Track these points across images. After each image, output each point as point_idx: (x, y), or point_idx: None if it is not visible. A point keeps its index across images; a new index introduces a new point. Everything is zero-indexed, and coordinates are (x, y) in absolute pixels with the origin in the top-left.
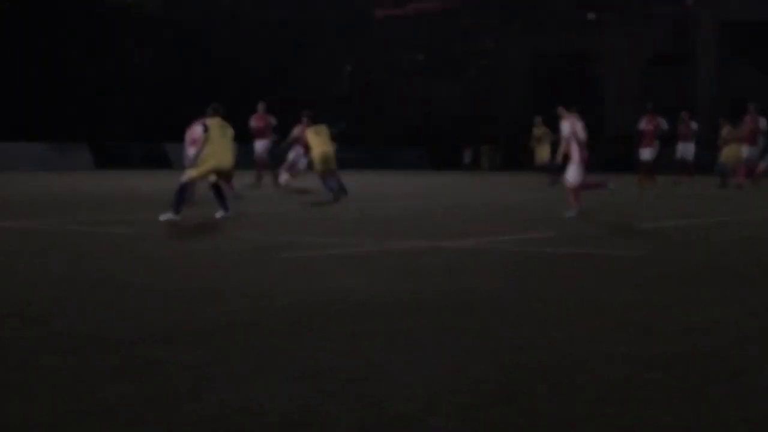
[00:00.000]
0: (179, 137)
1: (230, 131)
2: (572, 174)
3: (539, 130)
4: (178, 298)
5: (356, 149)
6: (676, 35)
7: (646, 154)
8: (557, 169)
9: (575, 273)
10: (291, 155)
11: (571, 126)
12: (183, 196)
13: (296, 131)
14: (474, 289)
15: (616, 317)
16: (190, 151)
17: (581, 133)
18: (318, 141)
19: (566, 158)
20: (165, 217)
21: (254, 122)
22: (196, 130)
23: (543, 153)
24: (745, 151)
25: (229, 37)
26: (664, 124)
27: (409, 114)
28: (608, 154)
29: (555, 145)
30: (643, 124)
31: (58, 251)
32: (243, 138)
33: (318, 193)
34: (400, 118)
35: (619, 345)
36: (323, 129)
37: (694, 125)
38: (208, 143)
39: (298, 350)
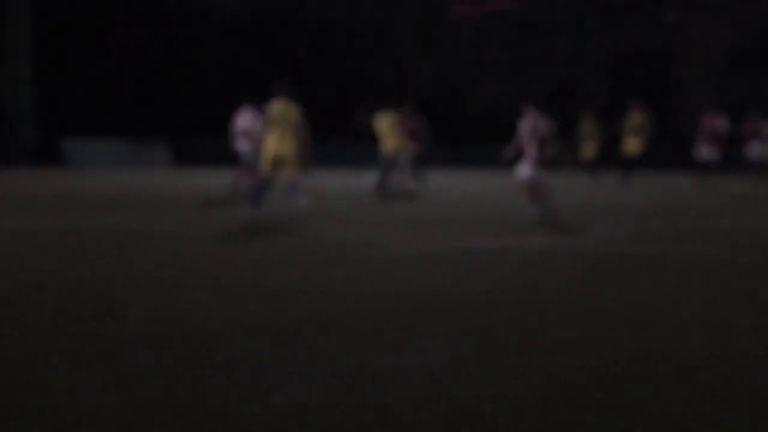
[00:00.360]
0: None
1: (294, 114)
2: (525, 170)
3: (588, 127)
4: (258, 296)
5: (435, 148)
6: (756, 35)
7: (705, 154)
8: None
9: (650, 273)
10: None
11: (533, 123)
12: (260, 192)
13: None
14: (552, 289)
15: (696, 316)
16: (242, 144)
17: (543, 130)
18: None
19: (521, 154)
20: (244, 214)
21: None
22: (245, 119)
23: (588, 150)
24: None
25: (307, 36)
26: (724, 124)
27: (486, 113)
28: (684, 154)
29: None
30: (705, 124)
31: (137, 249)
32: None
33: (395, 191)
34: (478, 117)
35: (694, 342)
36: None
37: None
38: (269, 128)
39: (378, 349)
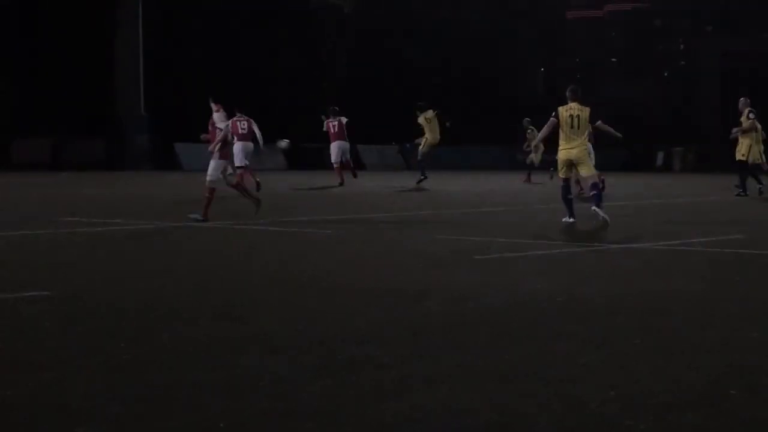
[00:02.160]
0: (370, 139)
1: (583, 116)
2: None
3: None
4: (380, 298)
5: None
6: None
7: None
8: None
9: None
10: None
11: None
12: (600, 193)
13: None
14: (670, 290)
15: None
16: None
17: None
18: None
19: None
20: (566, 220)
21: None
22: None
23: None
24: None
25: (420, 38)
26: None
27: (603, 115)
28: None
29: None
30: None
31: (260, 251)
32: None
33: (515, 194)
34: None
35: None
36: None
37: None
38: (560, 132)
39: (497, 351)
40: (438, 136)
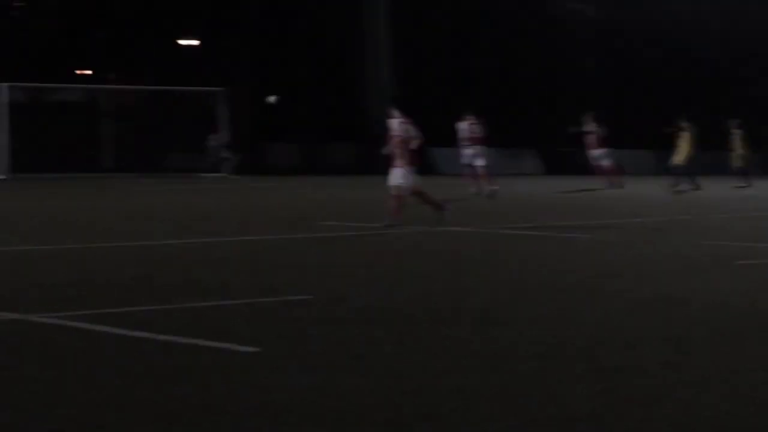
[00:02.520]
0: (631, 144)
1: None
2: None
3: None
4: (644, 303)
5: None
6: None
7: None
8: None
9: None
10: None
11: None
12: None
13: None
14: None
15: None
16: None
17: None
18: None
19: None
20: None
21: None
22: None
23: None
24: None
25: (675, 42)
26: None
27: None
28: None
29: None
30: None
31: (520, 255)
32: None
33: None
34: None
35: None
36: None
37: None
38: None
39: (758, 358)
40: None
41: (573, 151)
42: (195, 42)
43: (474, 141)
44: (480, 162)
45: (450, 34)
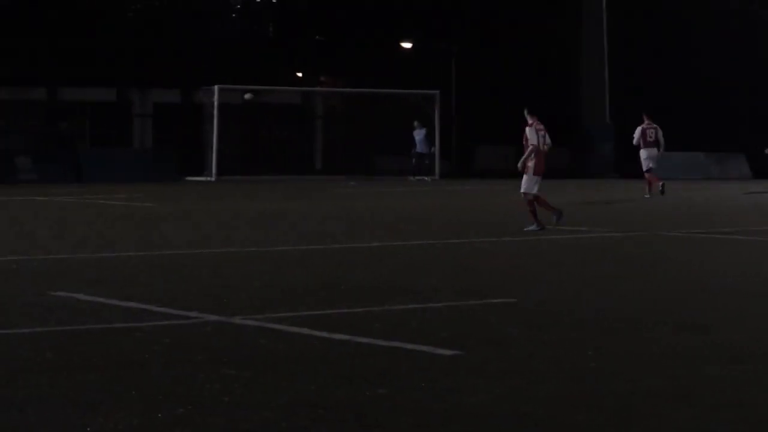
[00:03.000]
0: None
1: None
2: None
3: None
4: None
5: None
6: None
7: None
8: None
9: None
10: None
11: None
12: None
13: None
14: None
15: None
16: None
17: None
18: None
19: None
20: None
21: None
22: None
23: None
24: None
25: None
26: None
27: None
28: None
29: None
30: None
31: (719, 260)
32: None
33: None
34: None
35: None
36: None
37: None
38: None
39: None
40: None
41: None
42: (408, 45)
43: (647, 144)
44: (650, 165)
45: (665, 40)
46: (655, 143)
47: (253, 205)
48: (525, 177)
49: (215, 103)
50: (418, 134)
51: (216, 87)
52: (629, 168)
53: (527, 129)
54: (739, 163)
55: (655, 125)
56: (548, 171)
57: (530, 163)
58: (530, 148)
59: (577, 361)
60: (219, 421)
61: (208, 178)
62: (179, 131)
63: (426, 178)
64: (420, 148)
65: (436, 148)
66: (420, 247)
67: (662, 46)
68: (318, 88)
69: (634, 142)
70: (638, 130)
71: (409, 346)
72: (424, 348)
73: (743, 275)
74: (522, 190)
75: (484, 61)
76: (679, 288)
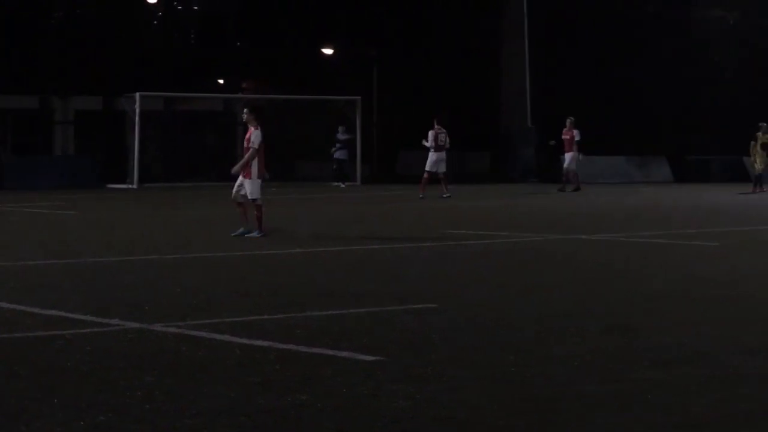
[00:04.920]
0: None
1: None
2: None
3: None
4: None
5: None
6: None
7: None
8: None
9: None
10: None
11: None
12: None
13: None
14: None
15: None
16: None
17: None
18: None
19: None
20: None
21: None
22: None
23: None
24: None
25: None
26: None
27: None
28: None
29: None
30: None
31: (644, 264)
32: None
33: None
34: None
35: None
36: None
37: None
38: None
39: None
40: None
41: (706, 159)
42: (329, 51)
43: (438, 148)
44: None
45: (586, 44)
46: (444, 147)
47: (174, 212)
48: (248, 182)
49: (137, 110)
50: (342, 138)
51: (137, 94)
52: (550, 172)
53: (252, 131)
54: (660, 167)
55: (444, 129)
56: (469, 175)
57: (253, 168)
58: (251, 151)
59: (498, 366)
60: (140, 428)
61: (130, 186)
62: (101, 138)
63: (342, 185)
64: (340, 154)
65: (358, 154)
66: (341, 253)
67: (584, 50)
68: (240, 95)
69: (428, 144)
70: (430, 133)
71: (331, 352)
72: (345, 354)
73: (667, 278)
74: (250, 197)
75: (405, 67)
76: (604, 291)
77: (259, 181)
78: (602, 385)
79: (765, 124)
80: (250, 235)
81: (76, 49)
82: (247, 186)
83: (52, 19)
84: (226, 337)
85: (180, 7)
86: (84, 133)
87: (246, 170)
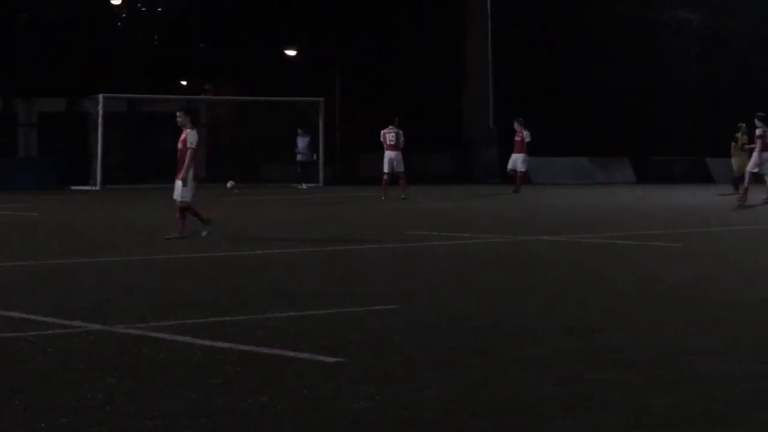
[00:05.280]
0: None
1: None
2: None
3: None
4: (729, 312)
5: None
6: None
7: None
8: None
9: None
10: None
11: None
12: None
13: None
14: None
15: None
16: None
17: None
18: None
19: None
20: None
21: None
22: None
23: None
24: None
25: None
26: None
27: None
28: None
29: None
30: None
31: (606, 265)
32: None
33: None
34: None
35: None
36: None
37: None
38: None
39: None
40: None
41: (669, 161)
42: (292, 52)
43: (389, 147)
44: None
45: (548, 43)
46: (396, 146)
47: (137, 214)
48: (180, 183)
49: (100, 112)
50: (302, 141)
51: (101, 96)
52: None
53: (188, 132)
54: (623, 168)
55: (397, 130)
56: (432, 176)
57: (190, 171)
58: (190, 152)
59: (459, 367)
60: (101, 430)
61: (93, 187)
62: (64, 140)
63: (303, 186)
64: (303, 155)
65: (320, 155)
66: (302, 254)
67: (549, 51)
68: (202, 96)
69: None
70: (382, 133)
71: (291, 353)
72: (306, 355)
73: (627, 279)
74: (180, 199)
75: (369, 69)
76: (565, 292)
77: (194, 183)
78: (562, 386)
79: (744, 125)
80: (172, 236)
81: (40, 51)
82: (179, 187)
83: (15, 21)
84: (188, 339)
85: (144, 9)
86: (47, 135)
87: (181, 172)
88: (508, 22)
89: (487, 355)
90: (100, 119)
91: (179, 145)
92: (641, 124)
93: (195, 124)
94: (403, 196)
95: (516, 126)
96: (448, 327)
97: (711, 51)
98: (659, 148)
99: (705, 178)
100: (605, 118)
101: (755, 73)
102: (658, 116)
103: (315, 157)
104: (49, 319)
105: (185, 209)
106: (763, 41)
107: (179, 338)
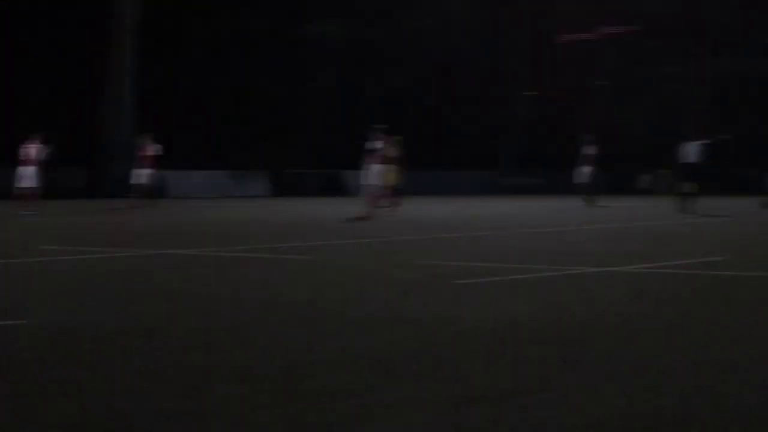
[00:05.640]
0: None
1: None
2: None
3: None
4: (352, 324)
5: (533, 174)
6: None
7: None
8: None
9: (749, 296)
10: None
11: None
12: None
13: None
14: (644, 315)
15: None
16: None
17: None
18: None
19: None
20: None
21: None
22: None
23: None
24: None
25: (411, 63)
26: None
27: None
28: None
29: None
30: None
31: (234, 278)
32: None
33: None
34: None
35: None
36: None
37: None
38: None
39: (467, 376)
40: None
41: (304, 173)
42: None
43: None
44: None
45: (197, 56)
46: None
47: None
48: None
49: None
50: None
51: None
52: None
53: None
54: (259, 181)
55: (40, 145)
56: (66, 190)
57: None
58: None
59: (75, 382)
60: None
61: None
62: None
63: None
64: None
65: None
66: None
67: (193, 64)
68: None
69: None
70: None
71: None
72: None
73: (253, 294)
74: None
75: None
76: (189, 306)
77: None
78: (183, 400)
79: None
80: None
81: None
82: None
83: None
84: None
85: None
86: None
87: None
88: (153, 32)
89: (109, 367)
90: None
91: None
92: (278, 137)
93: None
94: (28, 213)
95: (144, 140)
96: (71, 341)
97: (349, 62)
98: (295, 160)
99: (339, 190)
100: (243, 131)
101: (390, 84)
102: (294, 129)
103: None
104: None
105: None
106: (399, 53)
107: None
